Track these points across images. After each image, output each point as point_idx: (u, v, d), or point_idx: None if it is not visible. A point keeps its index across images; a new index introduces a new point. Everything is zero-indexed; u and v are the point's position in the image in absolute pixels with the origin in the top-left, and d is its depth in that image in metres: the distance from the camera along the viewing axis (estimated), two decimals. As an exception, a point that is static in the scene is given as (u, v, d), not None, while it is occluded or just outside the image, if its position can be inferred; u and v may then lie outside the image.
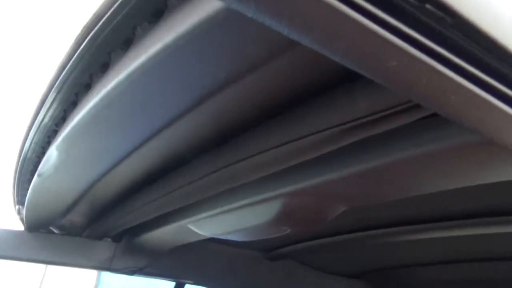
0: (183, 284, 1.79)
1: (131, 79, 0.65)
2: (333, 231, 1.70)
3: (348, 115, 0.70)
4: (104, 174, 1.05)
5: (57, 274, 3.75)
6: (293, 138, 0.78)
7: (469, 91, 0.41)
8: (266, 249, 1.90)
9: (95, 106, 0.74)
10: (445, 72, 0.39)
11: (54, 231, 1.48)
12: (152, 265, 1.55)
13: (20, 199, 1.29)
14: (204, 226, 1.23)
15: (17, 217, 1.40)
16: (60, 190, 1.17)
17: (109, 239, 1.51)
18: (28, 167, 1.12)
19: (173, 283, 1.80)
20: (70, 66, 0.72)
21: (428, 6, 0.36)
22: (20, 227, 1.44)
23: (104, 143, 0.92)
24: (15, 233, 1.42)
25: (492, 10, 0.39)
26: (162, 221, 1.32)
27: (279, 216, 1.02)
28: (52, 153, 0.93)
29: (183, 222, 1.24)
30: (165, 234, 1.38)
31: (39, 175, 1.04)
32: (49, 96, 0.83)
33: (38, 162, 1.05)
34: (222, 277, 1.80)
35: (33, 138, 0.99)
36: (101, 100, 0.72)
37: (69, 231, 1.48)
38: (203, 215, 1.17)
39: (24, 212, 1.30)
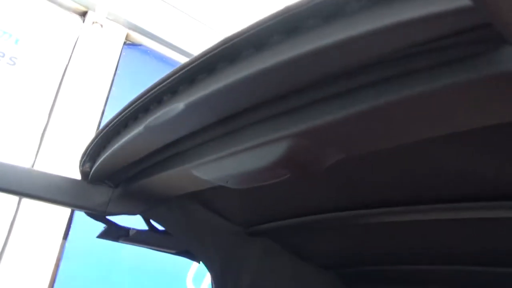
0: None
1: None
2: (312, 211, 1.77)
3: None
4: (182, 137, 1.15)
5: (29, 215, 3.68)
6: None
7: None
8: (247, 224, 1.98)
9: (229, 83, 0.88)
10: None
11: (109, 184, 1.56)
12: (148, 212, 1.59)
13: (92, 153, 1.39)
14: (206, 170, 1.26)
15: (79, 168, 1.49)
16: (145, 147, 1.24)
17: (108, 183, 1.56)
18: (123, 122, 1.21)
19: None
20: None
21: None
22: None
23: (209, 113, 1.02)
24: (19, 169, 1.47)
25: None
26: (162, 166, 1.36)
27: (279, 160, 1.05)
28: (177, 108, 0.99)
29: (184, 167, 1.28)
30: (164, 181, 1.41)
31: (146, 127, 1.10)
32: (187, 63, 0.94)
33: (136, 117, 1.16)
34: (203, 242, 1.86)
35: (152, 93, 1.07)
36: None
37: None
38: (205, 159, 1.22)
39: (95, 164, 1.39)
